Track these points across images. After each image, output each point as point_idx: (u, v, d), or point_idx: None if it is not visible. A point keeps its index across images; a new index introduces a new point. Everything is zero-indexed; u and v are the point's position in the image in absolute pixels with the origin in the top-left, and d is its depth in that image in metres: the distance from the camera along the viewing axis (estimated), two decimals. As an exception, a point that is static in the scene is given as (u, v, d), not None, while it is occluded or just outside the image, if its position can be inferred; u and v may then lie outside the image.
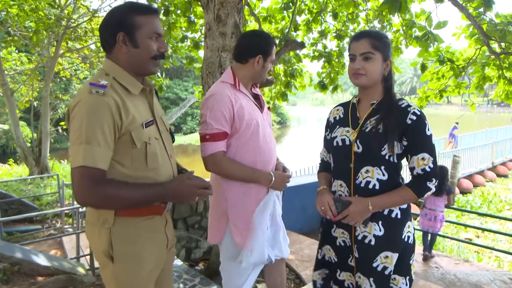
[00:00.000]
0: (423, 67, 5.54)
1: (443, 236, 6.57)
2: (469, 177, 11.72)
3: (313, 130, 35.21)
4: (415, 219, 7.69)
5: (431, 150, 1.54)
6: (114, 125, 1.29)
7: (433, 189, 1.56)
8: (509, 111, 51.76)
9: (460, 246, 6.81)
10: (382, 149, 1.55)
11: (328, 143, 1.76)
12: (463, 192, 10.92)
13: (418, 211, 4.96)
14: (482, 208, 9.46)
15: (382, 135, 1.55)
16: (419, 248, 4.95)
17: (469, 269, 4.52)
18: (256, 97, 2.00)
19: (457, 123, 14.20)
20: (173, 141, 1.63)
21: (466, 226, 7.66)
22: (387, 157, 1.56)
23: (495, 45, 4.65)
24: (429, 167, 1.53)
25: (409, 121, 1.53)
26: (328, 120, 1.81)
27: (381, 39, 1.60)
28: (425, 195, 1.57)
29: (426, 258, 4.74)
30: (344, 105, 1.78)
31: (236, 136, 1.84)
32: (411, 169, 1.57)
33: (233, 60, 2.04)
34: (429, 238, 4.89)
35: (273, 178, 1.89)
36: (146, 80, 1.50)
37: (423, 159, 1.53)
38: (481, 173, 12.30)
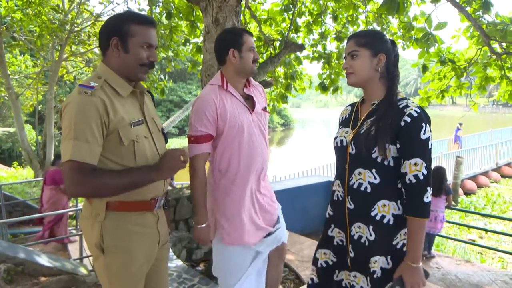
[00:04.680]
0: (425, 68, 5.55)
1: (446, 237, 6.55)
2: (473, 178, 11.70)
3: (316, 133, 35.17)
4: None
5: (424, 156, 1.45)
6: (101, 122, 1.37)
7: (430, 199, 1.47)
8: (515, 111, 51.45)
9: (463, 247, 6.79)
10: (373, 151, 1.50)
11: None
12: (467, 193, 10.88)
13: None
14: (486, 209, 9.43)
15: (373, 137, 1.50)
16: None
17: (470, 270, 4.51)
18: (249, 98, 2.01)
19: (460, 124, 14.17)
20: (166, 142, 1.69)
21: (469, 227, 7.63)
22: (379, 160, 1.51)
23: (496, 45, 4.65)
24: (422, 173, 1.44)
25: (402, 123, 1.46)
26: (338, 120, 1.81)
27: (368, 36, 1.59)
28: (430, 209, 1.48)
29: (426, 258, 4.74)
30: (353, 105, 1.77)
31: (221, 137, 1.89)
32: (403, 174, 1.47)
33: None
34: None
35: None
36: (138, 84, 1.58)
37: (415, 164, 1.44)
38: (485, 174, 12.26)
